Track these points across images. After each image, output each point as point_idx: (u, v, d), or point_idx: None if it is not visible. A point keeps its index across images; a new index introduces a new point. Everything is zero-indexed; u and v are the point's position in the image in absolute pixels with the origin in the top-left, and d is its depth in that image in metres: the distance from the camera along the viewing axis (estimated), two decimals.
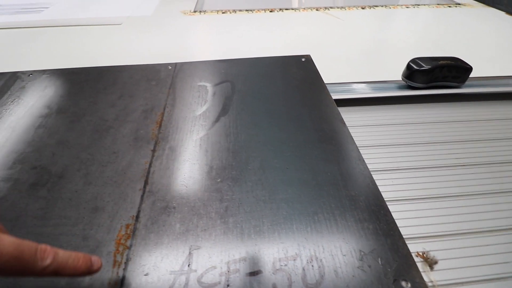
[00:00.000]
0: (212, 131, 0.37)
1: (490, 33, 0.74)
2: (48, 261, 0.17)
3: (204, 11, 0.90)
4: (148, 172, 0.33)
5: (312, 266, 0.25)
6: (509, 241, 0.27)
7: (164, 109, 0.41)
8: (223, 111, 0.41)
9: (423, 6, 0.91)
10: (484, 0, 0.95)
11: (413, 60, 0.48)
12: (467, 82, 0.48)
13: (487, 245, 0.27)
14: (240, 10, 0.89)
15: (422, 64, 0.46)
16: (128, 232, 0.28)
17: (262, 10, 0.89)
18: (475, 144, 0.38)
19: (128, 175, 0.33)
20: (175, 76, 0.47)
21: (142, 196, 0.31)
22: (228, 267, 0.25)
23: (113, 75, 0.48)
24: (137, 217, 0.29)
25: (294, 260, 0.25)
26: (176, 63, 0.50)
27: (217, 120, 0.39)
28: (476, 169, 0.35)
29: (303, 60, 0.51)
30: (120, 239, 0.27)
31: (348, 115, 0.42)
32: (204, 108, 0.41)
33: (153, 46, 0.68)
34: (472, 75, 0.47)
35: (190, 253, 0.26)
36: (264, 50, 0.64)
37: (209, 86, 0.45)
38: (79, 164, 0.34)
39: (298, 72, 0.48)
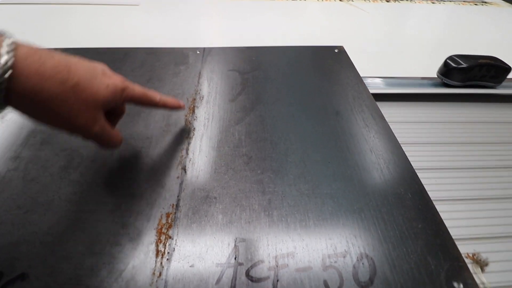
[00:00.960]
0: (248, 120, 0.36)
1: None
2: (158, 96, 0.30)
3: None
4: (185, 160, 0.32)
5: (363, 264, 0.24)
6: None
7: (196, 94, 0.39)
8: (258, 100, 0.39)
9: (448, 2, 0.88)
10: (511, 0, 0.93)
11: (451, 58, 0.46)
12: (503, 83, 0.47)
13: None
14: None
15: (460, 61, 0.45)
16: (169, 221, 0.27)
17: None
18: None
19: (164, 161, 0.31)
20: (204, 61, 0.45)
21: (180, 185, 0.29)
22: (277, 262, 0.24)
23: (140, 56, 0.46)
24: (177, 206, 0.28)
25: (344, 257, 0.25)
26: (204, 48, 0.48)
27: (252, 109, 0.38)
28: None
29: (336, 51, 0.49)
30: (161, 228, 0.26)
31: (382, 110, 0.41)
32: (238, 95, 0.40)
33: (172, 28, 0.65)
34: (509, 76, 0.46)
35: (235, 245, 0.25)
36: (287, 40, 0.62)
37: (241, 73, 0.43)
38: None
39: (333, 64, 0.46)
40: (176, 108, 0.32)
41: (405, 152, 0.33)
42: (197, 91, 0.40)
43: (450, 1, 0.89)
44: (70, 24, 0.66)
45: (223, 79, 0.42)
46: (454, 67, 0.45)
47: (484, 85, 0.47)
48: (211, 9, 0.78)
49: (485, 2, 0.89)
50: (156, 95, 0.30)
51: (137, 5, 0.78)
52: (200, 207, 0.28)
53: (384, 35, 0.67)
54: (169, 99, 0.31)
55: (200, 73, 0.43)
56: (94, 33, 0.62)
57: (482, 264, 0.25)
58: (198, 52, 0.47)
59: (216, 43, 0.51)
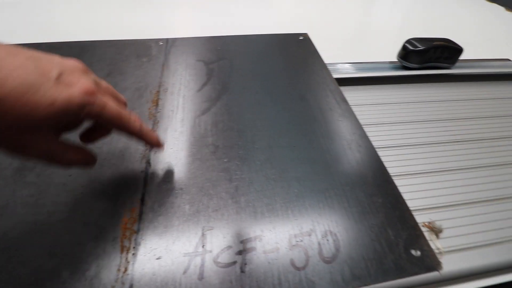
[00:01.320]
0: (214, 110, 0.36)
1: (470, 18, 0.77)
2: (138, 124, 0.24)
3: None
4: (149, 154, 0.31)
5: (327, 240, 0.25)
6: (505, 209, 0.29)
7: (160, 87, 0.38)
8: (224, 89, 0.39)
9: None
10: None
11: (408, 41, 0.48)
12: (457, 64, 0.50)
13: (486, 213, 0.29)
14: None
15: (417, 44, 0.47)
16: (134, 216, 0.26)
17: None
18: (467, 121, 0.40)
19: (126, 156, 0.31)
20: (168, 52, 0.44)
21: (145, 178, 0.29)
22: (244, 246, 0.25)
23: (98, 50, 0.43)
24: (143, 200, 0.27)
25: (309, 235, 0.25)
26: (167, 39, 0.47)
27: (218, 98, 0.37)
28: (470, 145, 0.36)
29: (300, 38, 0.49)
30: (125, 224, 0.26)
31: (346, 94, 0.42)
32: (203, 85, 0.39)
33: (138, 19, 0.63)
34: (461, 57, 0.49)
35: (203, 234, 0.25)
36: (256, 28, 0.62)
37: (206, 63, 0.43)
38: None
39: (297, 51, 0.46)
40: (154, 146, 0.27)
41: (367, 133, 0.35)
42: (160, 83, 0.39)
43: None
44: (20, 16, 0.61)
45: (188, 70, 0.41)
46: (412, 50, 0.47)
47: (440, 66, 0.49)
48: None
49: None
50: (136, 123, 0.23)
51: None
52: (166, 199, 0.27)
53: (350, 22, 0.69)
54: (150, 133, 0.25)
55: (163, 64, 0.42)
56: (48, 26, 0.58)
57: (436, 231, 0.27)
58: (161, 43, 0.46)
59: (181, 34, 0.49)
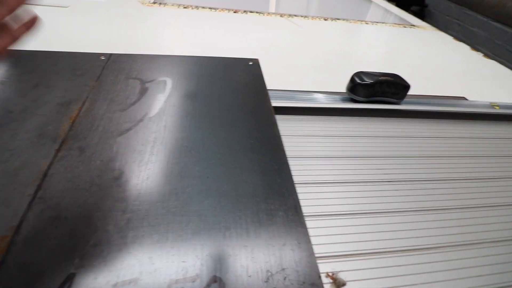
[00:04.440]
0: (132, 132, 0.34)
1: (436, 55, 0.79)
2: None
3: (165, 3, 0.85)
4: (45, 175, 0.28)
5: None
6: (417, 262, 0.27)
7: (84, 103, 0.37)
8: (151, 110, 0.37)
9: (381, 23, 0.95)
10: (438, 25, 1.02)
11: (357, 74, 0.48)
12: (405, 99, 0.50)
13: (397, 265, 0.27)
14: (203, 7, 0.86)
15: (364, 78, 0.47)
16: (2, 246, 0.23)
17: (226, 10, 0.86)
18: (406, 160, 0.39)
19: (19, 177, 0.28)
20: (107, 67, 0.43)
21: (30, 203, 0.26)
22: None
23: (33, 61, 0.42)
24: (19, 227, 0.24)
25: (193, 281, 0.23)
26: (111, 54, 0.46)
27: (141, 119, 0.36)
28: (401, 186, 0.35)
29: (250, 63, 0.49)
30: None
31: (288, 124, 0.41)
32: (131, 105, 0.37)
33: (96, 34, 0.62)
34: (411, 92, 0.49)
35: (72, 273, 0.22)
36: (215, 50, 0.62)
37: (142, 81, 0.41)
38: None
39: (243, 76, 0.46)
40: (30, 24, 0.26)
41: (295, 166, 0.33)
42: (86, 99, 0.37)
43: (383, 23, 0.96)
44: None
45: (121, 86, 0.40)
46: (359, 83, 0.47)
47: (389, 101, 0.49)
48: (147, 17, 0.75)
49: (413, 25, 0.97)
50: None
51: (66, 7, 0.73)
52: (46, 228, 0.25)
53: (308, 50, 0.69)
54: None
55: (97, 80, 0.40)
56: None
57: (338, 284, 0.24)
58: (102, 58, 0.44)
59: (135, 51, 0.48)
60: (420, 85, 0.58)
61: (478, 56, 0.83)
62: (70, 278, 0.22)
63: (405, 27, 0.95)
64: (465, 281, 0.27)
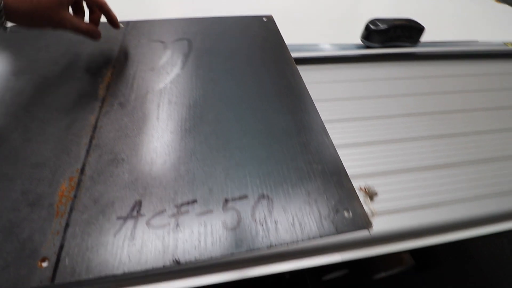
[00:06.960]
0: (166, 87, 0.36)
1: (446, 1, 0.78)
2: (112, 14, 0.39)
3: None
4: (95, 127, 0.31)
5: (261, 204, 0.26)
6: (435, 176, 0.30)
7: (114, 66, 0.39)
8: (178, 67, 0.39)
9: None
10: None
11: (371, 21, 0.48)
12: (419, 44, 0.50)
13: (417, 179, 0.29)
14: None
15: (378, 24, 0.47)
16: (72, 184, 0.26)
17: None
18: (422, 96, 0.41)
19: (72, 130, 0.31)
20: (127, 33, 0.44)
21: (87, 150, 0.29)
22: (178, 209, 0.25)
23: (55, 33, 0.43)
24: (82, 170, 0.27)
25: (245, 199, 0.26)
26: (129, 21, 0.47)
27: (171, 76, 0.38)
28: (419, 118, 0.37)
29: (264, 20, 0.50)
30: (63, 192, 0.26)
31: (308, 73, 0.43)
32: (157, 64, 0.39)
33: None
34: (424, 39, 0.49)
35: (139, 199, 0.25)
36: (225, 11, 0.62)
37: (164, 43, 0.43)
38: (17, 123, 0.31)
39: (259, 32, 0.47)
40: (115, 25, 0.40)
41: (320, 107, 0.35)
42: (114, 62, 0.39)
43: None
44: None
45: (145, 49, 0.42)
46: (374, 30, 0.47)
47: (402, 45, 0.50)
48: None
49: None
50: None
51: None
52: (106, 169, 0.28)
53: (317, 4, 0.69)
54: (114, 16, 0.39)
55: (120, 46, 0.42)
56: None
57: (371, 194, 0.27)
58: (122, 26, 0.46)
59: (143, 17, 0.49)
60: (431, 32, 0.58)
61: (490, 2, 0.81)
62: (138, 203, 0.25)
63: None
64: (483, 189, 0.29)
